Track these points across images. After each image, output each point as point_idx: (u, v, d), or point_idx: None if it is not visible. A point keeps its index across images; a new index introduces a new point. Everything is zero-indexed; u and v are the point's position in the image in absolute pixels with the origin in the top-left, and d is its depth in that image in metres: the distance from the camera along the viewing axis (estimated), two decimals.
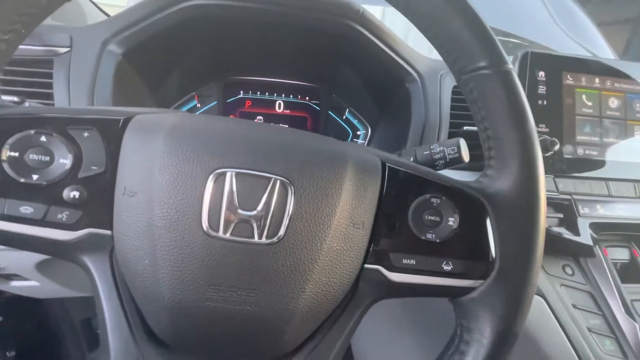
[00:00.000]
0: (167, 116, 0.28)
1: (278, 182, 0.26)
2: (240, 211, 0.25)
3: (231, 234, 0.25)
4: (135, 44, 0.51)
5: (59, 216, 0.25)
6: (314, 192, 0.26)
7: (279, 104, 0.75)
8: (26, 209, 0.25)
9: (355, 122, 0.76)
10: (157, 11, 0.49)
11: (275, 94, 0.75)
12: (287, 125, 0.75)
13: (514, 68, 0.28)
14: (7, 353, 0.90)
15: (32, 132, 0.25)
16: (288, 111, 0.75)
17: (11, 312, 0.86)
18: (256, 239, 0.25)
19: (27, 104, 0.37)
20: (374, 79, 0.62)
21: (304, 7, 0.48)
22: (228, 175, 0.25)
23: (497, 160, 0.29)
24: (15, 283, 0.64)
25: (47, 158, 0.26)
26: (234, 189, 0.25)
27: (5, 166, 0.25)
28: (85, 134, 0.26)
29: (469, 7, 0.27)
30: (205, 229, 0.25)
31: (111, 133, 0.27)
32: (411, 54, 0.56)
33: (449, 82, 0.56)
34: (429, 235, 0.28)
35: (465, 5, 0.27)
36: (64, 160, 0.26)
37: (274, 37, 0.58)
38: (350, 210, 0.27)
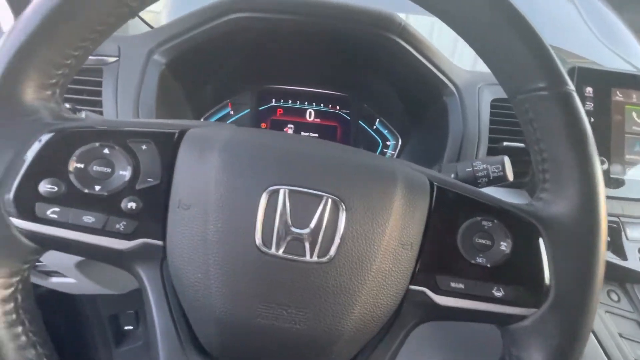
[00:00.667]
0: (221, 130, 0.29)
1: (330, 200, 0.26)
2: (292, 229, 0.25)
3: (284, 252, 0.25)
4: (177, 54, 0.53)
5: (117, 226, 0.26)
6: (364, 212, 0.26)
7: (310, 112, 0.76)
8: (88, 219, 0.26)
9: (385, 132, 0.75)
10: (202, 23, 0.50)
11: (306, 103, 0.76)
12: (317, 134, 0.76)
13: (574, 90, 0.27)
14: None
15: (97, 144, 0.26)
16: (318, 120, 0.76)
17: (44, 305, 0.90)
18: (307, 257, 0.25)
19: (83, 115, 0.38)
20: (409, 90, 0.62)
21: (347, 19, 0.48)
22: (281, 192, 0.26)
23: (553, 184, 0.28)
24: (54, 279, 0.67)
25: (109, 170, 0.27)
26: (287, 206, 0.25)
27: (72, 177, 0.26)
28: (143, 147, 0.27)
29: (525, 21, 0.27)
30: (258, 245, 0.25)
31: (167, 146, 0.28)
32: (449, 66, 0.55)
33: (488, 96, 0.55)
34: (480, 260, 0.27)
35: (521, 18, 0.27)
36: (124, 172, 0.27)
37: (310, 47, 0.59)
38: (399, 230, 0.27)
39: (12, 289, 0.26)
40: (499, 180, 0.40)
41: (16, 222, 0.25)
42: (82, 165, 0.26)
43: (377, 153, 0.75)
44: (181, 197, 0.26)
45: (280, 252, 0.25)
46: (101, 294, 0.79)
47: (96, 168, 0.26)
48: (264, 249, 0.25)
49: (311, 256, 0.25)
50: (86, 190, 0.26)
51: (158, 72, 0.52)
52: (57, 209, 0.25)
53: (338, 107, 0.76)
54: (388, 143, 0.75)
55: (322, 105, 0.76)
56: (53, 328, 0.94)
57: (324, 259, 0.25)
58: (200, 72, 0.59)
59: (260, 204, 0.25)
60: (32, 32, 0.25)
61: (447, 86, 0.55)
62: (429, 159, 0.60)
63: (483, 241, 0.28)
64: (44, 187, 0.25)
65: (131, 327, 1.04)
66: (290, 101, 0.76)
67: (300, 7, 0.48)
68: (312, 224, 0.25)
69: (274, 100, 0.75)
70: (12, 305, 0.27)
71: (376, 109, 0.74)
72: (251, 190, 0.25)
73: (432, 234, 0.28)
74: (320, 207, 0.26)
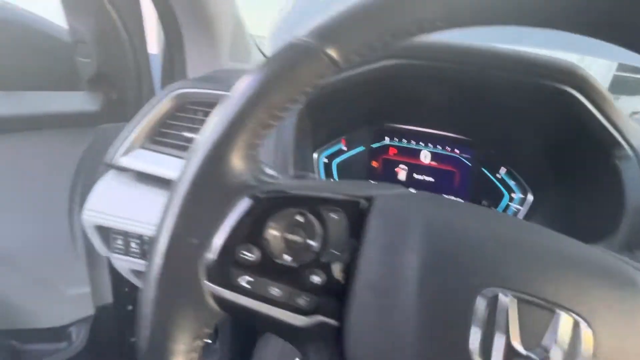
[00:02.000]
0: (417, 204, 0.25)
1: (567, 315, 0.20)
2: (515, 345, 0.20)
3: None
4: (317, 95, 0.53)
5: (299, 300, 0.24)
6: (614, 335, 0.20)
7: (425, 154, 0.71)
8: (275, 291, 0.24)
9: (511, 183, 0.67)
10: (353, 66, 0.49)
11: (421, 143, 0.71)
12: (432, 179, 0.70)
13: None
14: (131, 339, 0.99)
15: (292, 211, 0.25)
16: (435, 163, 0.70)
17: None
18: None
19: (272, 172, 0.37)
20: (563, 144, 0.53)
21: (518, 70, 0.43)
22: (503, 298, 0.21)
23: None
24: None
25: (300, 239, 0.25)
26: (511, 317, 0.20)
27: (267, 245, 0.24)
28: (333, 216, 0.25)
29: None
30: (472, 356, 0.20)
31: (355, 216, 0.25)
32: (626, 124, 0.46)
33: None
34: None
35: None
36: (313, 243, 0.25)
37: (450, 91, 0.54)
38: None
39: (194, 353, 0.25)
40: None
41: (211, 286, 0.24)
42: (276, 233, 0.24)
43: (502, 206, 0.66)
44: (370, 277, 0.23)
45: None
46: None
47: (289, 236, 0.25)
48: None
49: None
50: (277, 260, 0.24)
51: (297, 109, 0.52)
52: (250, 278, 0.24)
53: (458, 151, 0.70)
54: (514, 196, 0.66)
55: (439, 147, 0.70)
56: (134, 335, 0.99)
57: None
58: (329, 110, 0.58)
59: (474, 309, 0.21)
60: (250, 98, 0.25)
61: (623, 147, 0.45)
62: (584, 228, 0.50)
63: None
64: (241, 253, 0.24)
65: (209, 342, 1.06)
66: (404, 140, 0.71)
67: (472, 56, 0.44)
68: (545, 344, 0.20)
69: (387, 138, 0.72)
70: None
71: (505, 157, 0.66)
72: (463, 290, 0.21)
73: None
74: (555, 323, 0.20)
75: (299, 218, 0.25)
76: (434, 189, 0.69)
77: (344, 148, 0.71)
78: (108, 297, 0.85)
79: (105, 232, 0.54)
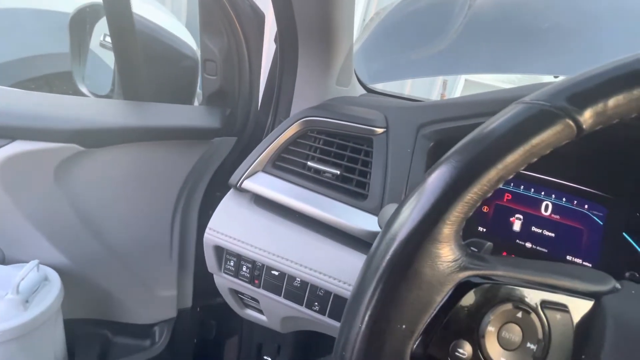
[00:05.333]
0: None
1: None
2: None
3: None
4: (446, 136, 0.50)
5: None
6: None
7: (546, 205, 0.63)
8: None
9: None
10: (486, 114, 0.46)
11: (542, 193, 0.64)
12: (552, 234, 0.63)
13: None
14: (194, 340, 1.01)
15: (510, 306, 0.21)
16: (557, 217, 0.63)
17: (214, 315, 0.98)
18: None
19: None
20: None
21: None
22: None
23: None
24: (248, 311, 0.70)
25: (518, 340, 0.21)
26: None
27: (483, 343, 0.21)
28: (558, 316, 0.21)
29: None
30: None
31: (582, 318, 0.21)
32: None
33: None
34: None
35: None
36: (532, 346, 0.21)
37: (588, 141, 0.48)
38: None
39: None
40: None
41: None
42: (492, 329, 0.21)
43: None
44: None
45: None
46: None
47: (505, 335, 0.21)
48: None
49: None
50: None
51: (427, 148, 0.49)
52: None
53: (587, 207, 0.62)
54: None
55: (564, 199, 0.63)
56: (205, 338, 1.00)
57: None
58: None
59: None
60: (482, 164, 0.22)
61: None
62: None
63: None
64: (454, 350, 0.21)
65: (269, 359, 1.05)
66: (522, 187, 0.65)
67: None
68: None
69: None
70: None
71: None
72: None
73: None
74: None
75: (518, 314, 0.21)
76: (554, 246, 0.62)
77: None
78: (188, 302, 0.88)
79: (221, 253, 0.54)
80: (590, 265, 0.60)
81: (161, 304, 0.80)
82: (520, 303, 0.21)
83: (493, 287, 0.22)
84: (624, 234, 0.58)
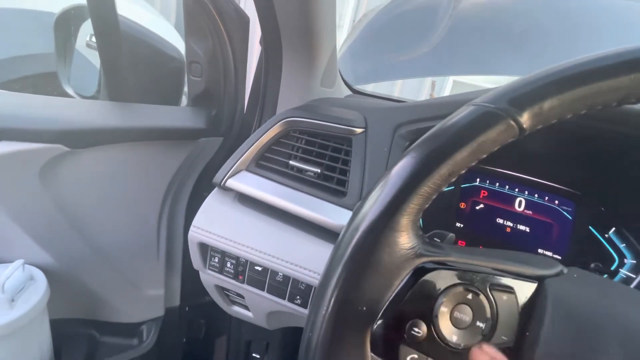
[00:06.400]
0: (605, 300, 0.23)
1: None
2: None
3: None
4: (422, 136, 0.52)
5: None
6: None
7: (520, 201, 0.66)
8: None
9: (621, 246, 0.61)
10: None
11: (516, 190, 0.67)
12: (526, 228, 0.66)
13: None
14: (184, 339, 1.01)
15: (461, 288, 0.23)
16: (530, 212, 0.66)
17: (202, 314, 0.98)
18: None
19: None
20: None
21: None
22: None
23: None
24: (235, 308, 0.71)
25: (468, 319, 0.23)
26: None
27: (435, 322, 0.23)
28: (504, 297, 0.23)
29: None
30: None
31: (526, 299, 0.23)
32: None
33: None
34: None
35: None
36: (481, 324, 0.23)
37: (558, 141, 0.51)
38: None
39: None
40: None
41: (375, 358, 0.23)
42: (445, 310, 0.23)
43: (612, 270, 0.60)
44: None
45: None
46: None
47: (457, 315, 0.23)
48: None
49: None
50: (443, 340, 0.23)
51: (402, 148, 0.51)
52: (415, 356, 0.23)
53: (557, 202, 0.65)
54: (625, 261, 0.60)
55: (536, 195, 0.66)
56: (194, 337, 1.01)
57: None
58: None
59: None
60: (434, 159, 0.24)
61: None
62: None
63: None
64: (410, 329, 0.23)
65: (258, 356, 1.06)
66: (497, 184, 0.68)
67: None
68: None
69: (478, 179, 0.69)
70: None
71: (619, 217, 0.60)
72: None
73: None
74: None
75: (470, 297, 0.23)
76: (528, 240, 0.65)
77: None
78: (176, 300, 0.88)
79: (205, 249, 0.56)
80: (559, 257, 0.63)
81: (148, 303, 0.80)
82: (470, 285, 0.24)
83: (446, 272, 0.24)
84: (590, 227, 0.61)
